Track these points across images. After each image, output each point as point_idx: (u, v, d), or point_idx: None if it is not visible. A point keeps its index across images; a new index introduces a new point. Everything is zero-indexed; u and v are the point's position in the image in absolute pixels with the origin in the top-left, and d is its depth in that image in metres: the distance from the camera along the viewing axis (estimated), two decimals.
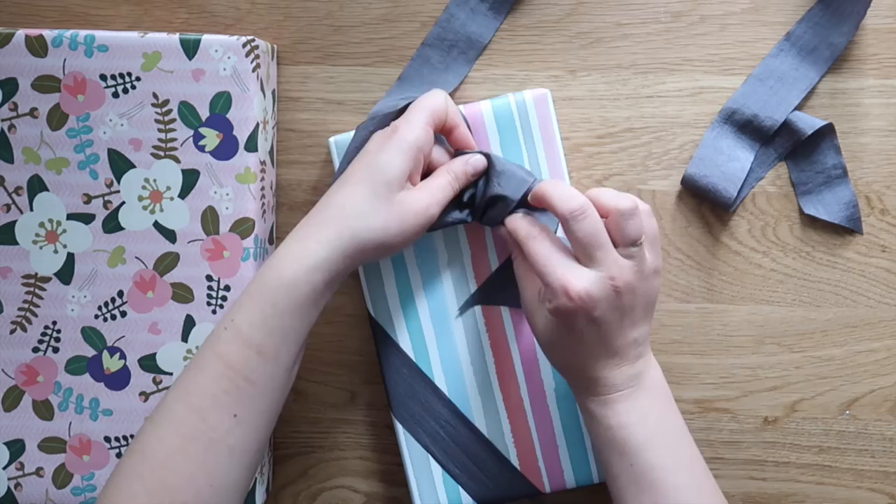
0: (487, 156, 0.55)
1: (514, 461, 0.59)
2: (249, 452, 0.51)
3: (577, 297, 0.49)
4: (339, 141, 0.59)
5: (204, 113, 0.58)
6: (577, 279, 0.50)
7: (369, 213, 0.51)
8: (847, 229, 0.62)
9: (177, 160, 0.58)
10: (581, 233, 0.50)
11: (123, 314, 0.59)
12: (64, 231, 0.59)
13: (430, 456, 0.59)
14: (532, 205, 0.54)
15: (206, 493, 0.49)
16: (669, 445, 0.51)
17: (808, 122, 0.60)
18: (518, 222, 0.53)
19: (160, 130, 0.58)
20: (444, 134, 0.56)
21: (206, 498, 0.49)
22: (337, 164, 0.59)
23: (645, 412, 0.52)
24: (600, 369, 0.52)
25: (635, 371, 0.52)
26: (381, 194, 0.51)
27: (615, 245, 0.51)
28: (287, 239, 0.52)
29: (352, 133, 0.58)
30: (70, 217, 0.59)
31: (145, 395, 0.59)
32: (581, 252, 0.50)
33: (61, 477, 0.59)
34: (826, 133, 0.61)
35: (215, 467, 0.49)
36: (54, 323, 0.59)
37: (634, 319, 0.52)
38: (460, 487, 0.59)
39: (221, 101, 0.58)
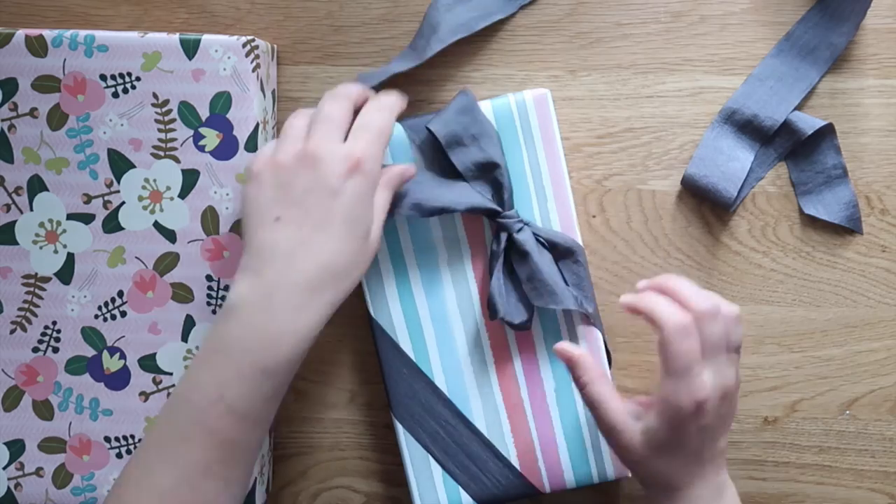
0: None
1: (514, 461, 0.59)
2: (238, 496, 0.50)
3: (700, 398, 0.49)
4: None
5: (204, 113, 0.58)
6: (703, 382, 0.50)
7: (355, 266, 0.51)
8: (847, 229, 0.62)
9: (177, 160, 0.58)
10: (714, 335, 0.50)
11: (123, 314, 0.59)
12: (64, 231, 0.59)
13: (430, 456, 0.59)
14: (631, 312, 0.53)
15: None
16: None
17: (808, 122, 0.60)
18: (663, 309, 0.51)
19: (160, 130, 0.58)
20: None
21: None
22: None
23: None
24: (688, 478, 0.52)
25: (717, 484, 0.53)
26: (360, 244, 0.51)
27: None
28: (267, 303, 0.48)
29: None
30: (70, 217, 0.59)
31: (145, 395, 0.59)
32: (707, 355, 0.50)
33: (61, 477, 0.59)
34: (826, 133, 0.61)
35: None
36: (54, 323, 0.59)
37: (725, 429, 0.52)
38: (460, 487, 0.59)
39: (221, 101, 0.58)
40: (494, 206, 0.56)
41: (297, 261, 0.49)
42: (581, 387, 0.53)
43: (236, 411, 0.48)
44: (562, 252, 0.58)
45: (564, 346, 0.54)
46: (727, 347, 0.51)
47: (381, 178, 0.53)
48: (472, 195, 0.56)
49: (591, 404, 0.53)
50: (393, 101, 0.54)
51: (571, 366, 0.54)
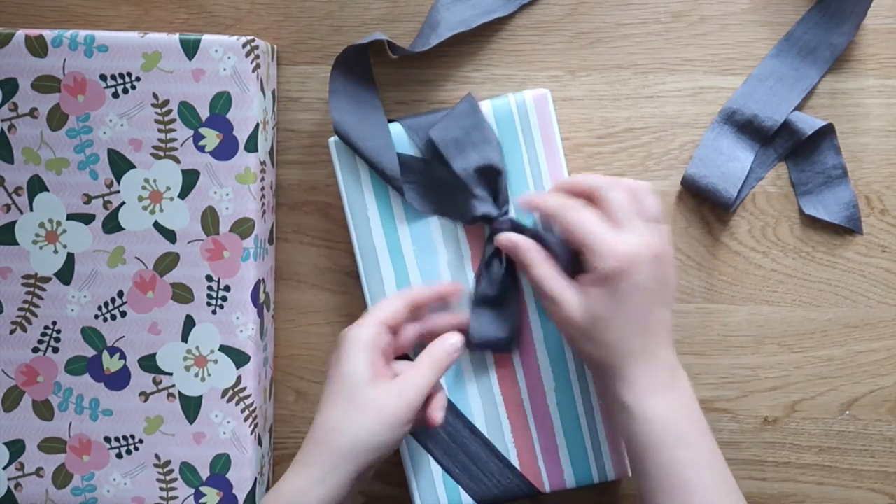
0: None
1: (514, 461, 0.59)
2: None
3: (624, 256, 0.50)
4: (339, 141, 0.58)
5: (204, 113, 0.58)
6: (623, 241, 0.51)
7: (348, 422, 0.51)
8: (847, 229, 0.62)
9: (177, 160, 0.58)
10: (618, 199, 0.52)
11: (123, 314, 0.59)
12: (64, 231, 0.59)
13: (430, 456, 0.59)
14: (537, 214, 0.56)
15: None
16: (700, 443, 0.52)
17: (808, 122, 0.60)
18: (548, 197, 0.55)
19: (160, 130, 0.58)
20: (417, 314, 0.57)
21: None
22: (337, 164, 0.59)
23: (679, 408, 0.52)
24: (639, 352, 0.52)
25: (669, 361, 0.52)
26: (353, 400, 0.52)
27: None
28: (293, 464, 0.52)
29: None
30: (70, 217, 0.59)
31: (145, 395, 0.59)
32: (617, 219, 0.52)
33: (61, 477, 0.59)
34: (826, 133, 0.61)
35: None
36: (54, 323, 0.59)
37: (665, 298, 0.52)
38: (460, 487, 0.59)
39: (221, 102, 0.58)
40: (493, 211, 0.57)
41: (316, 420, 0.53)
42: (526, 269, 0.55)
43: None
44: None
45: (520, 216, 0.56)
46: (643, 216, 0.52)
47: (427, 350, 0.55)
48: (470, 207, 0.57)
49: (535, 283, 0.55)
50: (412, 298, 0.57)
51: (516, 250, 0.55)
